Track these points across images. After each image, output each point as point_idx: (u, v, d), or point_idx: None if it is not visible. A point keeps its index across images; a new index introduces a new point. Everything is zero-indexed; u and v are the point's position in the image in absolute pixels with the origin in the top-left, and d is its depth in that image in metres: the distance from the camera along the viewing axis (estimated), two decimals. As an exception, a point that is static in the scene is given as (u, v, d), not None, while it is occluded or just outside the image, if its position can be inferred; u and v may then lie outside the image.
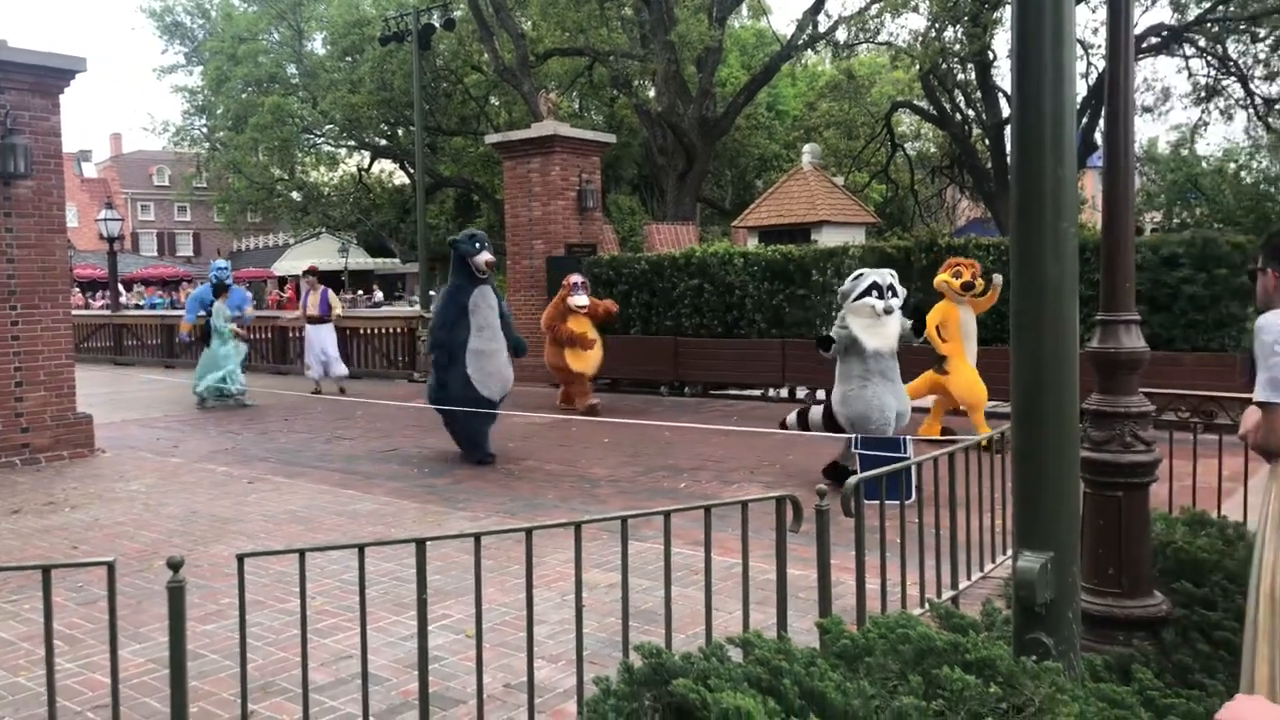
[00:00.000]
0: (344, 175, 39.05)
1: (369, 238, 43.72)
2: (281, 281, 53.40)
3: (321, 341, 14.70)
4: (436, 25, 23.39)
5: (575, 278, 12.23)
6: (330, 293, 15.13)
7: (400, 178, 40.51)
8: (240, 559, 3.12)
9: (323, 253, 50.96)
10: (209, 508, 7.45)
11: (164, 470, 9.09)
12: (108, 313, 26.75)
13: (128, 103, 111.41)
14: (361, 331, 18.73)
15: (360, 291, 47.29)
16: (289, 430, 11.49)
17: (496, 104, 34.14)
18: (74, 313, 11.81)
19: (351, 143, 36.07)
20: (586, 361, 12.27)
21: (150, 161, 60.54)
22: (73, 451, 9.92)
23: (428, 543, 3.12)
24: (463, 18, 26.98)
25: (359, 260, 52.74)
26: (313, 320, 14.80)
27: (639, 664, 2.72)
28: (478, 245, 9.03)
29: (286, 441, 10.65)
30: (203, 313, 14.38)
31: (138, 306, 39.69)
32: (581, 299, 12.05)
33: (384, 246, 46.88)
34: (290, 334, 19.63)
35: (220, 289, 14.17)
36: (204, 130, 39.14)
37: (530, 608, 3.15)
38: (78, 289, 43.48)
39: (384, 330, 18.48)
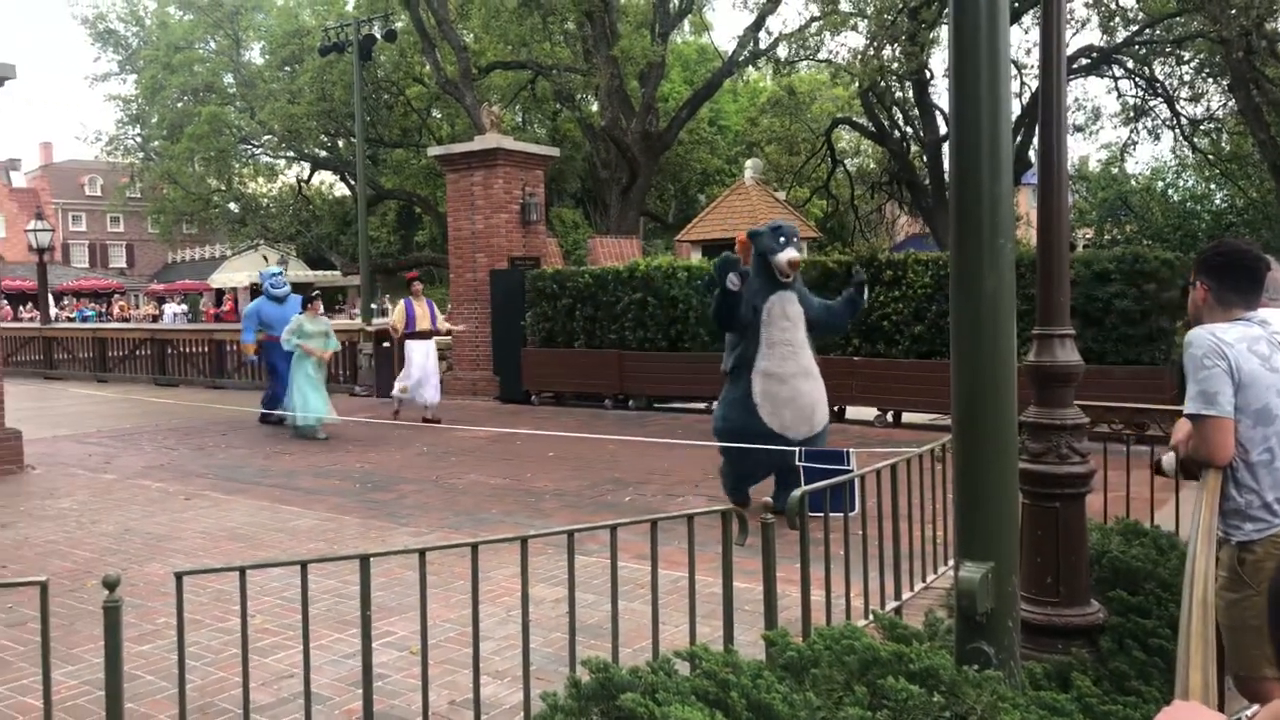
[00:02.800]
0: (283, 187, 38.45)
1: (309, 250, 43.09)
2: (219, 294, 52.47)
3: (424, 359, 12.82)
4: (377, 36, 23.19)
5: None
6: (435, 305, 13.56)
7: (341, 189, 40.03)
8: (179, 576, 3.06)
9: (261, 265, 50.18)
10: (144, 525, 7.27)
11: (96, 487, 8.85)
12: (37, 325, 26.02)
13: (59, 111, 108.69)
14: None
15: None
16: (227, 446, 11.27)
17: (439, 116, 33.93)
18: (2, 325, 11.48)
19: (291, 154, 35.56)
20: None
21: (82, 171, 59.07)
22: (0, 468, 9.61)
23: (371, 559, 3.09)
24: (404, 29, 26.81)
25: (299, 273, 51.88)
26: (421, 335, 12.84)
27: (586, 679, 2.71)
28: (781, 240, 7.13)
29: (225, 457, 10.44)
30: (261, 329, 12.73)
31: (69, 319, 38.70)
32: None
33: (324, 259, 46.25)
34: (228, 348, 19.26)
35: (279, 299, 12.74)
36: (138, 139, 38.31)
37: (476, 624, 3.13)
38: (5, 301, 42.28)
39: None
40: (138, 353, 20.76)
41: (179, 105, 35.44)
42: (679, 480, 8.71)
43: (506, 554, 5.82)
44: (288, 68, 33.41)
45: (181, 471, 9.56)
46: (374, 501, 8.08)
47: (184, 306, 47.12)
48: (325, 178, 40.19)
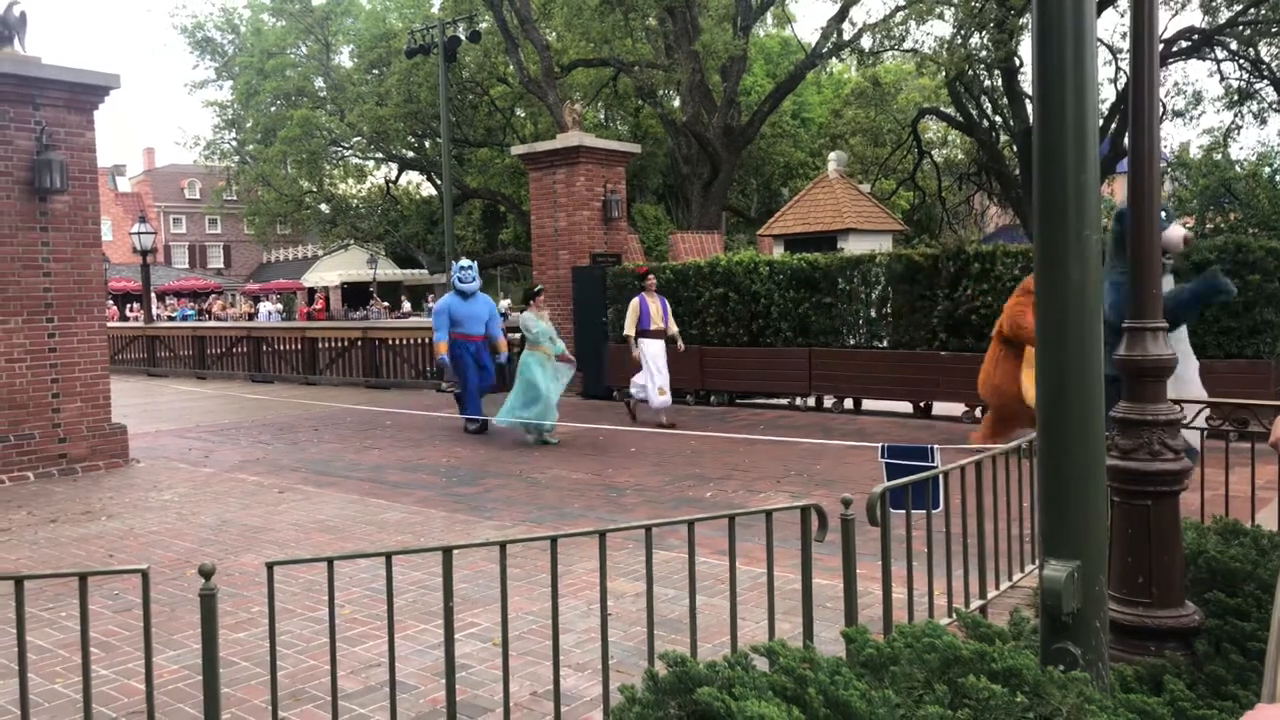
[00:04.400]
0: (372, 187, 39.34)
1: (397, 249, 44.03)
2: (310, 293, 53.95)
3: (659, 360, 11.97)
4: (462, 38, 23.57)
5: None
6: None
7: (427, 189, 40.80)
8: (270, 567, 3.16)
9: (351, 264, 51.47)
10: (240, 517, 7.53)
11: (196, 480, 9.20)
12: (141, 324, 27.13)
13: (160, 118, 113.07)
14: (390, 342, 18.87)
15: (385, 303, 47.68)
16: (319, 440, 11.59)
17: (522, 115, 34.31)
18: (109, 325, 11.99)
19: (379, 155, 36.34)
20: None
21: (182, 175, 61.36)
22: (108, 461, 10.06)
23: (454, 551, 3.15)
24: (488, 30, 27.18)
25: (387, 271, 53.13)
26: (654, 334, 12.01)
27: (664, 672, 2.72)
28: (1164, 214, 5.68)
29: (316, 452, 10.75)
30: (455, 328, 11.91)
31: (169, 318, 40.25)
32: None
33: (411, 258, 47.21)
34: (320, 344, 19.81)
35: (467, 295, 11.90)
36: (234, 144, 39.60)
37: (555, 616, 3.17)
38: (112, 301, 44.16)
39: (412, 341, 18.60)
40: (234, 350, 21.47)
41: (272, 109, 36.55)
42: (759, 476, 8.67)
43: (587, 548, 5.88)
44: (375, 70, 34.16)
45: (275, 465, 9.88)
46: (459, 495, 8.22)
47: (279, 305, 48.61)
48: (412, 178, 41.01)
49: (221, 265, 62.84)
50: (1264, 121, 24.89)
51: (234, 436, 12.15)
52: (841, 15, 23.33)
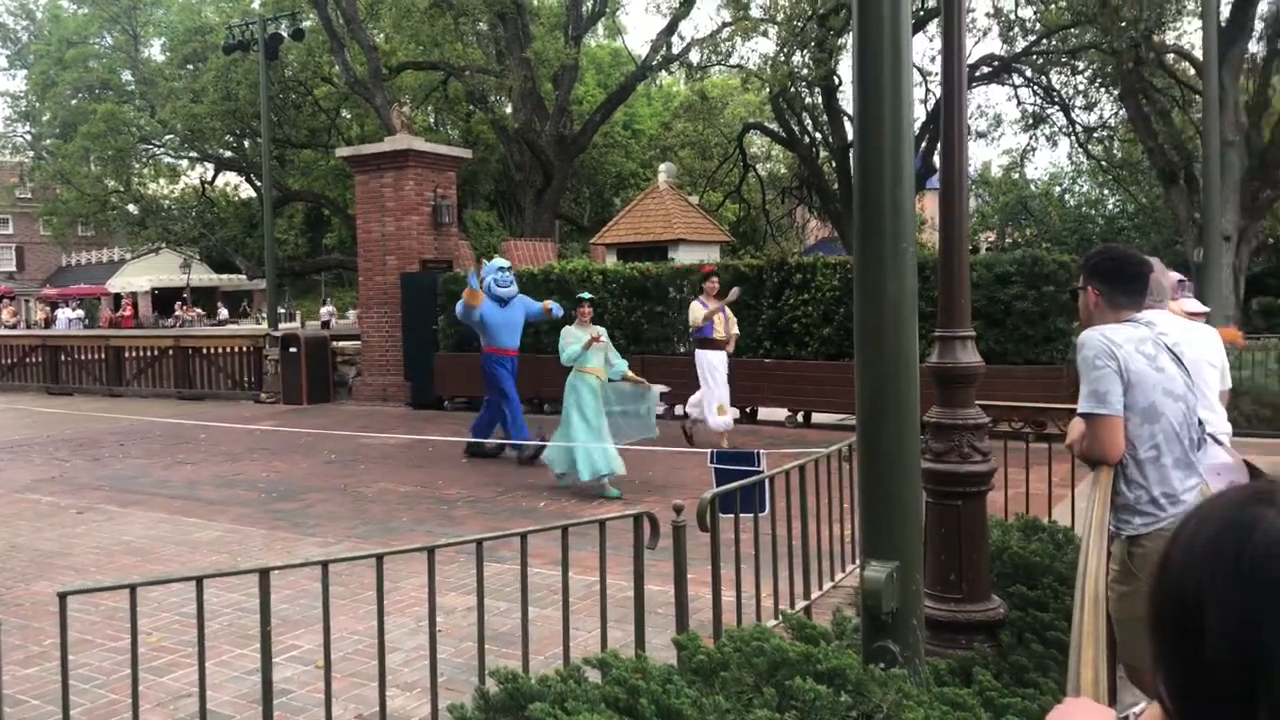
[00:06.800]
0: (186, 188, 37.24)
1: (213, 253, 41.87)
2: (117, 299, 50.62)
3: (720, 374, 10.18)
4: (285, 35, 22.65)
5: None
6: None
7: (247, 191, 38.98)
8: (62, 597, 2.92)
9: (163, 269, 48.61)
10: (32, 541, 6.95)
11: (-18, 502, 8.44)
12: (-82, 332, 24.76)
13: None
14: (206, 351, 17.90)
15: (199, 310, 45.38)
16: (125, 456, 10.86)
17: (348, 117, 33.30)
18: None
19: (194, 154, 34.47)
20: None
21: (-33, 170, 56.40)
22: (-125, 484, 9.10)
23: (273, 571, 2.99)
24: (312, 28, 26.23)
25: (202, 276, 50.48)
26: (716, 345, 10.26)
27: (495, 690, 2.67)
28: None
29: (122, 468, 10.06)
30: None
31: (-46, 325, 36.90)
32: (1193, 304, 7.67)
33: (229, 262, 44.96)
34: (126, 354, 18.59)
35: (503, 301, 9.94)
36: (28, 137, 36.76)
37: (381, 636, 3.06)
38: (-116, 307, 40.14)
39: (229, 349, 17.71)
40: (28, 360, 19.89)
41: (73, 103, 34.11)
42: (594, 485, 8.66)
43: (417, 563, 5.71)
44: (190, 65, 32.41)
45: (74, 484, 9.18)
46: (280, 511, 7.86)
47: (80, 312, 45.36)
48: (230, 179, 39.06)
49: (13, 268, 58.12)
50: (1055, 144, 26.95)
51: (25, 453, 11.22)
52: (671, 29, 23.75)
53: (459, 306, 9.98)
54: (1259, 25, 16.98)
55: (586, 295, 9.02)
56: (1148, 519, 2.81)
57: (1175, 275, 7.57)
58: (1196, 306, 7.56)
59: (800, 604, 4.45)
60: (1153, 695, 0.86)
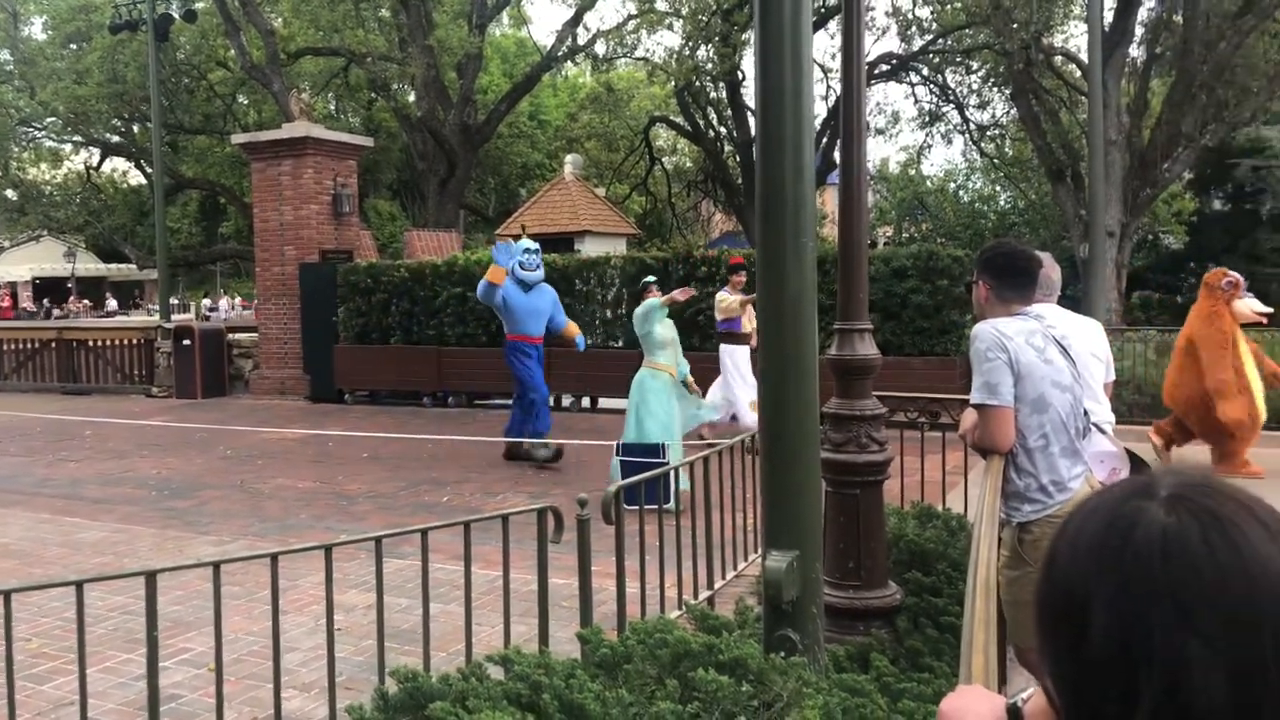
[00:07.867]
0: (69, 173, 35.63)
1: (100, 241, 40.17)
2: (-7, 288, 48.16)
3: (747, 369, 9.50)
4: (175, 16, 21.82)
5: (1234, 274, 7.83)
6: None
7: (136, 177, 37.49)
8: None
9: (46, 257, 46.45)
10: (-99, 545, 6.57)
11: None
12: None
13: None
14: (91, 343, 17.16)
15: (85, 301, 43.55)
16: (1, 454, 10.34)
17: (245, 103, 32.31)
18: None
19: (78, 138, 32.99)
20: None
21: None
22: None
23: (160, 574, 2.88)
24: (205, 10, 25.35)
25: (89, 266, 48.45)
26: (742, 339, 9.63)
27: (394, 689, 2.62)
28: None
29: (-1, 467, 9.59)
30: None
31: None
32: (1257, 303, 7.69)
33: (118, 251, 43.20)
34: (4, 346, 17.70)
35: (528, 286, 9.19)
36: (-104, 118, 34.67)
37: (276, 637, 2.98)
38: None
39: (119, 342, 17.01)
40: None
41: (-55, 82, 32.32)
42: (498, 478, 8.61)
43: (316, 560, 5.58)
44: (73, 45, 31.00)
45: (-52, 484, 8.71)
46: (172, 510, 7.59)
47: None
48: (118, 164, 37.50)
49: (-120, 256, 54.79)
50: (950, 142, 27.64)
51: (-105, 453, 10.61)
52: (576, 20, 23.65)
53: (481, 285, 9.17)
54: (1139, 31, 17.74)
55: (653, 278, 8.81)
56: (1036, 506, 2.91)
57: (1234, 275, 7.49)
58: (1260, 306, 7.61)
59: (704, 594, 4.49)
60: (1039, 676, 0.88)
